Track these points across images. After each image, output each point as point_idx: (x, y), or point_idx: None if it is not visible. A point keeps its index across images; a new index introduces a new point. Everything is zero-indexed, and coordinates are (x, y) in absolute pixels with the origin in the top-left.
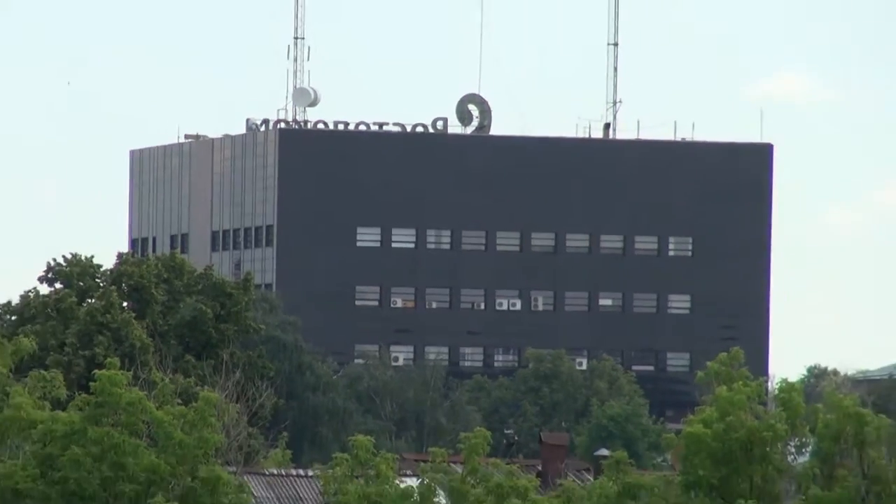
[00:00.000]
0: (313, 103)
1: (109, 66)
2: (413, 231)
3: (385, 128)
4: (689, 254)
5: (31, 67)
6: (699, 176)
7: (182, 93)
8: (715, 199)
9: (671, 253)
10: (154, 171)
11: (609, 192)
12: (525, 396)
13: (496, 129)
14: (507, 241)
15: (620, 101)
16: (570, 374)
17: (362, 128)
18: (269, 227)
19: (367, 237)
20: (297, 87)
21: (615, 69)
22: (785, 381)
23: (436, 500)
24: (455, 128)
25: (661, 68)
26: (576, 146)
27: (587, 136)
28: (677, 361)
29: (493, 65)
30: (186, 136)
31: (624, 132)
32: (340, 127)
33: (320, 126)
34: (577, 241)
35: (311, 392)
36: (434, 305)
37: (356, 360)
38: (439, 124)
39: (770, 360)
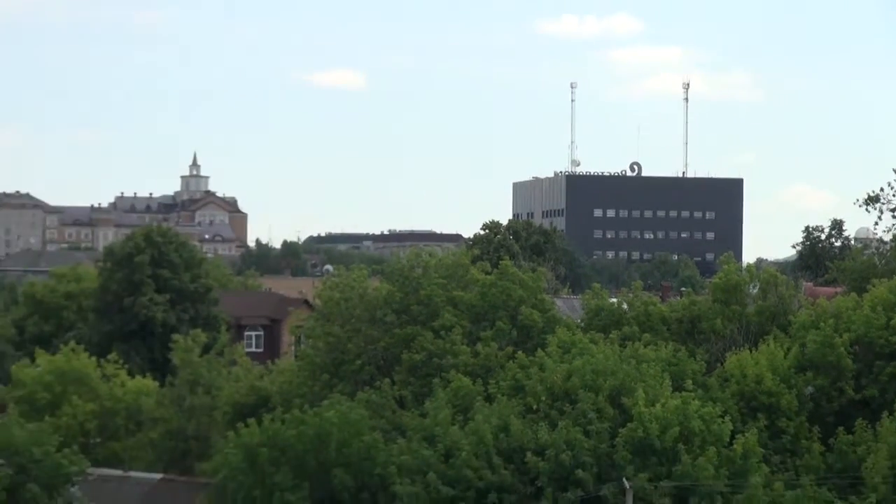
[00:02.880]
0: (578, 165)
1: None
2: (615, 211)
3: (599, 173)
4: (713, 218)
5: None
6: (718, 191)
7: (533, 159)
8: (723, 197)
9: (707, 217)
10: (522, 191)
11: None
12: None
13: (649, 172)
14: (635, 215)
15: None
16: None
17: (590, 172)
18: (561, 209)
19: (597, 213)
20: (572, 158)
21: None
22: (749, 264)
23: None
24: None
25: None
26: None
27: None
28: (709, 257)
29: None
30: (532, 177)
31: (693, 174)
32: (584, 173)
33: (579, 173)
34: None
35: (577, 268)
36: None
37: (594, 256)
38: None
39: (743, 258)
